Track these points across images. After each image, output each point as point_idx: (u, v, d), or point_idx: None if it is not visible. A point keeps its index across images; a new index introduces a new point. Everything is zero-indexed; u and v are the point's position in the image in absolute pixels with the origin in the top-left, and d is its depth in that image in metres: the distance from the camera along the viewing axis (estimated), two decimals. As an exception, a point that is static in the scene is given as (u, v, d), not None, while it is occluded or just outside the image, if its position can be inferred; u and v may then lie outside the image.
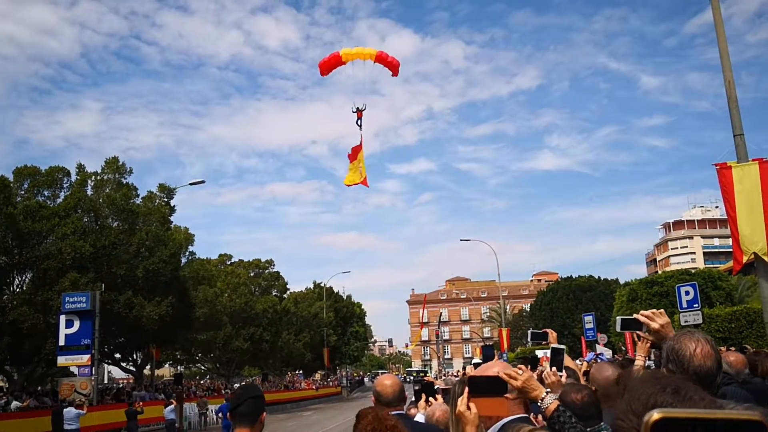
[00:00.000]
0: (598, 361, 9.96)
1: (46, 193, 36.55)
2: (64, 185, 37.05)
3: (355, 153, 21.58)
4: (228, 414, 4.00)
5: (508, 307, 72.46)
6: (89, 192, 36.72)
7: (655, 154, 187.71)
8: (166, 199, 39.67)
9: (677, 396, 1.13)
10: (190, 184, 37.15)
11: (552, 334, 5.52)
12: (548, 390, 2.87)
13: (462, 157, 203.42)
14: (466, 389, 2.82)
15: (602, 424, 3.24)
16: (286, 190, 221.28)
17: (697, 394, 1.14)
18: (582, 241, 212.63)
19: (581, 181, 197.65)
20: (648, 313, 3.35)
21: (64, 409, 22.07)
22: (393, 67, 20.89)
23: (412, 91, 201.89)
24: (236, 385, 56.14)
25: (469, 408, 2.74)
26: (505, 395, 2.82)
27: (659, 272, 57.59)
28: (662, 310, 3.36)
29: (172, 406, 26.67)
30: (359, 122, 20.71)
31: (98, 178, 37.37)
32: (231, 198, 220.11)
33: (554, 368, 4.00)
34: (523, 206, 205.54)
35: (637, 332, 3.42)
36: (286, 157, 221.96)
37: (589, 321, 30.17)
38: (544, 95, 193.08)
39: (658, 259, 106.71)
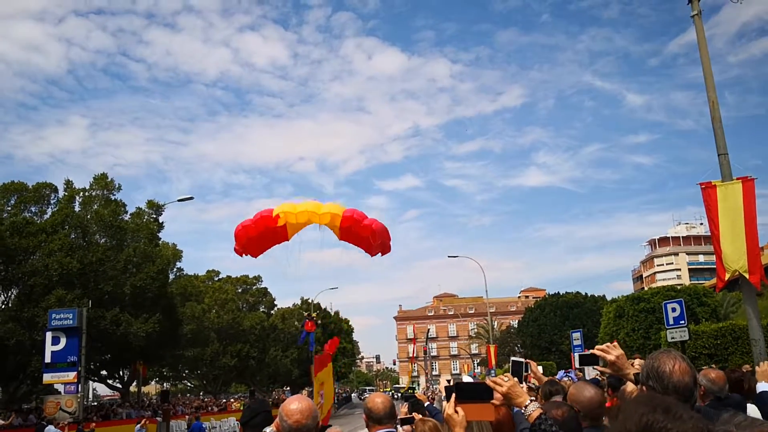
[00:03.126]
0: (570, 379, 10.04)
1: (33, 209, 36.38)
2: (51, 201, 36.92)
3: (322, 362, 16.53)
4: (240, 427, 4.20)
5: (495, 323, 72.47)
6: (77, 208, 36.58)
7: (641, 172, 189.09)
8: (154, 216, 39.57)
9: (668, 415, 1.22)
10: (179, 200, 37.06)
11: (533, 365, 5.74)
12: (532, 398, 2.98)
13: (449, 174, 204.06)
14: (454, 395, 2.97)
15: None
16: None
17: (686, 413, 1.23)
18: (568, 258, 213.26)
19: (567, 198, 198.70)
20: (603, 347, 3.62)
21: (45, 428, 21.92)
22: (372, 244, 14.03)
23: (398, 108, 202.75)
24: (226, 401, 55.78)
25: (456, 411, 2.87)
26: (491, 401, 2.95)
27: (646, 288, 57.90)
28: (615, 343, 3.64)
29: (141, 425, 26.44)
30: (310, 337, 18.14)
31: (86, 194, 37.25)
32: (218, 214, 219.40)
33: (515, 379, 4.17)
34: (510, 222, 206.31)
35: (594, 366, 3.63)
36: (273, 174, 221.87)
37: (577, 338, 30.28)
38: (529, 113, 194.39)
39: (644, 276, 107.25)
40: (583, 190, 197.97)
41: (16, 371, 32.64)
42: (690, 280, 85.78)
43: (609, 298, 51.20)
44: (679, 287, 43.82)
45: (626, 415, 1.28)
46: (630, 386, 3.69)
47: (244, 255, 14.65)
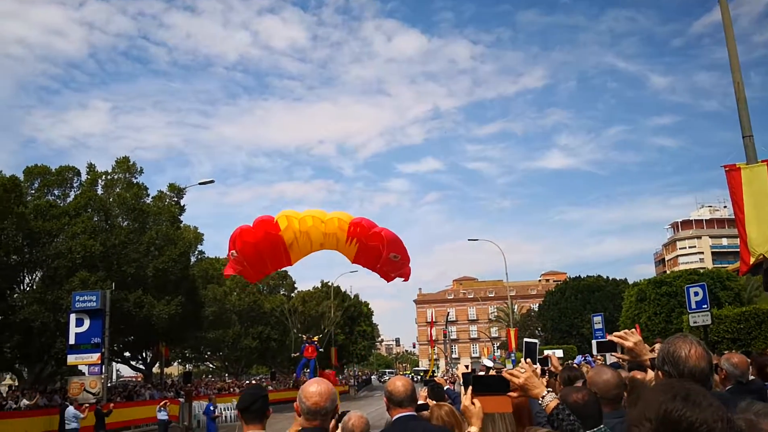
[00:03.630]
0: (588, 364, 10.01)
1: (56, 192, 36.84)
2: (74, 185, 37.36)
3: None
4: (238, 413, 4.21)
5: (515, 307, 72.37)
6: (99, 191, 36.97)
7: (664, 154, 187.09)
8: (176, 199, 39.89)
9: (687, 403, 1.21)
10: (200, 183, 37.26)
11: (552, 358, 5.72)
12: (549, 389, 2.96)
13: (469, 156, 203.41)
14: (470, 387, 2.96)
15: (602, 426, 3.32)
16: (294, 190, 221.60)
17: (705, 401, 1.22)
18: (590, 241, 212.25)
19: (589, 181, 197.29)
20: (621, 333, 3.59)
21: (66, 408, 22.31)
22: (386, 258, 12.56)
23: (418, 90, 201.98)
24: (248, 382, 56.37)
25: (473, 403, 2.86)
26: (508, 393, 2.93)
27: (668, 272, 57.46)
28: (634, 330, 3.59)
29: (163, 405, 26.73)
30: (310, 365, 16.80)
31: (109, 177, 37.63)
32: (239, 197, 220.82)
33: (528, 360, 4.17)
34: (531, 206, 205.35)
35: (613, 353, 3.60)
36: (293, 157, 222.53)
37: (598, 321, 30.10)
38: (551, 94, 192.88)
39: (666, 259, 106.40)
40: (605, 173, 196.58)
41: (41, 352, 33.18)
42: (713, 264, 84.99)
43: (630, 282, 50.97)
44: (701, 271, 43.53)
45: (646, 403, 1.26)
46: (650, 374, 3.66)
47: (236, 274, 13.40)
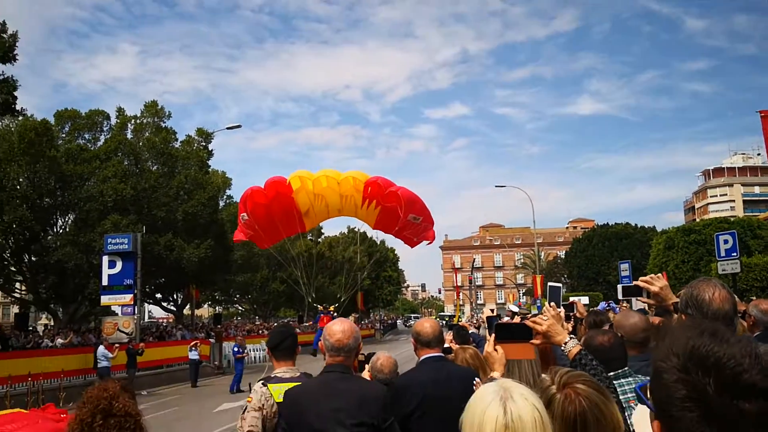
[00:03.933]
0: (612, 311, 10.02)
1: (86, 136, 37.19)
2: (104, 128, 37.65)
3: None
4: (268, 350, 4.32)
5: (542, 254, 72.33)
6: (129, 135, 37.24)
7: (698, 100, 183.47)
8: (204, 143, 40.06)
9: (715, 339, 1.21)
10: (227, 128, 37.32)
11: (578, 304, 5.76)
12: (572, 336, 3.00)
13: (498, 102, 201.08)
14: (494, 334, 3.02)
15: (626, 369, 3.35)
16: (321, 135, 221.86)
17: (733, 338, 1.23)
18: (619, 189, 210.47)
19: (620, 127, 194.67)
20: (646, 278, 3.60)
21: (98, 346, 23.01)
22: (405, 220, 11.82)
23: (446, 33, 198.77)
24: (274, 325, 57.38)
25: (496, 350, 2.92)
26: (531, 341, 2.98)
27: (697, 220, 56.83)
28: (660, 275, 3.57)
29: (196, 346, 27.39)
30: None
31: (138, 121, 37.83)
32: (266, 143, 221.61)
33: (552, 303, 4.22)
34: (560, 152, 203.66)
35: (638, 297, 3.60)
36: (320, 102, 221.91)
37: (625, 269, 30.01)
38: (583, 38, 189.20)
39: (696, 207, 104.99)
40: (636, 119, 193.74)
41: (75, 293, 34.00)
42: (744, 212, 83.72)
43: (659, 230, 50.58)
44: (732, 219, 42.99)
45: (672, 339, 1.27)
46: (674, 319, 3.68)
47: (247, 239, 12.80)
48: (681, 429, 1.18)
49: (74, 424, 2.85)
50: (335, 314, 30.41)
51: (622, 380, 3.28)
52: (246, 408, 4.02)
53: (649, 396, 1.32)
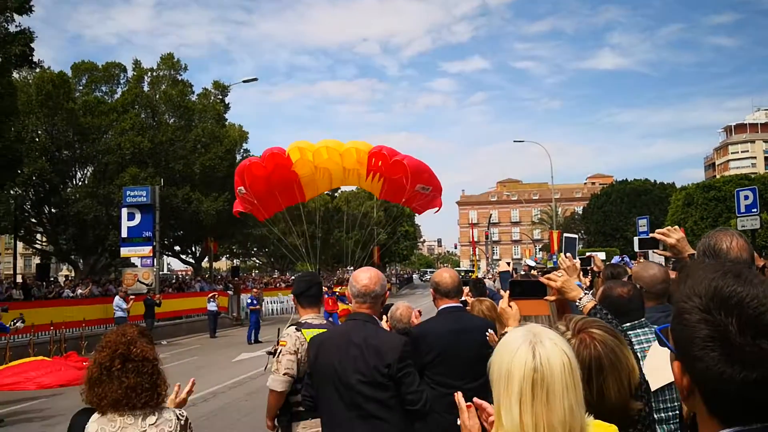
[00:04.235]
0: (626, 264, 9.98)
1: (103, 88, 37.23)
2: (121, 81, 37.62)
3: None
4: (293, 298, 4.40)
5: (559, 209, 72.07)
6: (146, 88, 37.19)
7: (721, 54, 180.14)
8: (220, 97, 39.96)
9: (738, 279, 1.20)
10: (243, 81, 37.11)
11: (595, 258, 5.76)
12: (586, 291, 3.00)
13: (518, 55, 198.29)
14: (508, 291, 3.04)
15: (643, 320, 3.36)
16: (337, 89, 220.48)
17: (756, 279, 1.21)
18: (639, 144, 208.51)
19: (641, 82, 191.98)
20: (663, 230, 3.60)
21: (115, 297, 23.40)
22: (412, 191, 11.34)
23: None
24: (292, 277, 57.97)
25: (510, 306, 2.94)
26: (545, 297, 2.99)
27: (717, 177, 56.22)
28: (677, 227, 3.55)
29: (214, 298, 27.73)
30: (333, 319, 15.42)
31: (154, 74, 37.73)
32: (282, 96, 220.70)
33: (569, 254, 4.22)
34: (580, 107, 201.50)
35: (655, 250, 3.59)
36: (336, 55, 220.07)
37: (643, 224, 29.78)
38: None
39: (717, 164, 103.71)
40: (658, 74, 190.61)
41: (95, 245, 34.44)
42: (765, 169, 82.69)
43: (678, 186, 50.15)
44: (753, 176, 42.47)
45: (695, 280, 1.26)
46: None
47: (245, 212, 12.33)
48: (702, 369, 1.18)
49: (93, 368, 2.90)
50: (342, 296, 28.90)
51: (638, 331, 3.29)
52: (281, 351, 4.16)
53: (669, 338, 1.32)
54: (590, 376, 1.97)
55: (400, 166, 11.02)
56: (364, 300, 3.67)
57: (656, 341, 3.12)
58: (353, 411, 3.41)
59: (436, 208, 12.62)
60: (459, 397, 2.17)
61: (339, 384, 3.45)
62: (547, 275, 3.12)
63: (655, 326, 3.34)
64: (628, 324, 3.28)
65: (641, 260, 14.51)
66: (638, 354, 3.13)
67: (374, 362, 3.38)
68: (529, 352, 1.62)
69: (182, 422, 2.95)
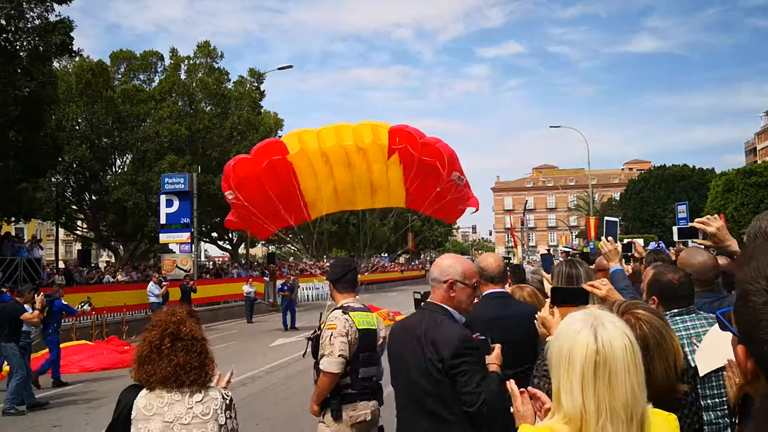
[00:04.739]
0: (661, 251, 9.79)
1: (141, 77, 37.67)
2: (158, 69, 38.02)
3: None
4: (329, 283, 4.43)
5: (596, 195, 71.21)
6: (182, 76, 37.55)
7: (761, 37, 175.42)
8: (256, 84, 40.16)
9: None
10: (279, 68, 37.24)
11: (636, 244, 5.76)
12: (633, 295, 2.98)
13: (553, 40, 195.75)
14: (549, 299, 3.01)
15: (691, 307, 3.31)
16: (371, 76, 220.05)
17: None
18: (678, 129, 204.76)
19: (679, 66, 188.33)
20: (703, 219, 3.57)
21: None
22: (445, 183, 9.25)
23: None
24: (327, 264, 58.33)
25: (552, 314, 2.92)
26: (588, 305, 2.95)
27: (759, 162, 54.98)
28: (716, 215, 3.50)
29: (251, 283, 28.01)
30: None
31: (191, 62, 38.06)
32: (316, 84, 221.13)
33: (610, 238, 4.19)
34: (617, 92, 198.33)
35: (694, 239, 3.54)
36: (370, 42, 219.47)
37: (682, 210, 29.31)
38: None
39: (758, 149, 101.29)
40: (696, 57, 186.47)
41: (135, 231, 35.00)
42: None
43: (718, 172, 49.17)
44: (797, 161, 41.47)
45: (760, 262, 1.23)
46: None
47: (240, 228, 10.09)
48: (769, 352, 1.16)
49: (144, 346, 2.97)
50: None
51: (686, 317, 3.25)
52: (332, 334, 4.22)
53: (732, 321, 1.30)
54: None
55: (432, 149, 9.19)
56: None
57: (708, 327, 3.08)
58: (416, 405, 3.35)
59: (474, 209, 10.82)
60: (512, 384, 2.15)
61: (405, 376, 3.41)
62: (590, 282, 3.09)
63: (701, 312, 3.30)
64: (676, 310, 3.24)
65: (680, 246, 14.29)
66: (685, 340, 3.11)
67: (430, 355, 3.27)
68: (591, 334, 1.61)
69: (227, 402, 3.01)
